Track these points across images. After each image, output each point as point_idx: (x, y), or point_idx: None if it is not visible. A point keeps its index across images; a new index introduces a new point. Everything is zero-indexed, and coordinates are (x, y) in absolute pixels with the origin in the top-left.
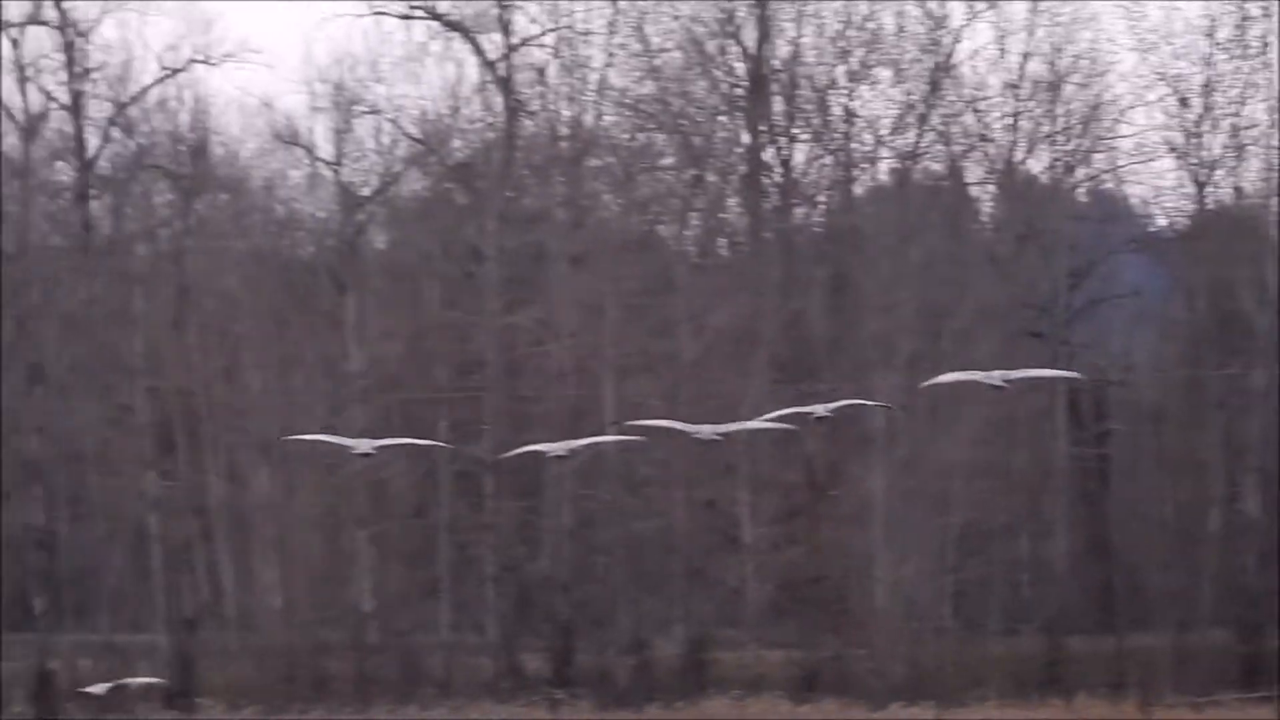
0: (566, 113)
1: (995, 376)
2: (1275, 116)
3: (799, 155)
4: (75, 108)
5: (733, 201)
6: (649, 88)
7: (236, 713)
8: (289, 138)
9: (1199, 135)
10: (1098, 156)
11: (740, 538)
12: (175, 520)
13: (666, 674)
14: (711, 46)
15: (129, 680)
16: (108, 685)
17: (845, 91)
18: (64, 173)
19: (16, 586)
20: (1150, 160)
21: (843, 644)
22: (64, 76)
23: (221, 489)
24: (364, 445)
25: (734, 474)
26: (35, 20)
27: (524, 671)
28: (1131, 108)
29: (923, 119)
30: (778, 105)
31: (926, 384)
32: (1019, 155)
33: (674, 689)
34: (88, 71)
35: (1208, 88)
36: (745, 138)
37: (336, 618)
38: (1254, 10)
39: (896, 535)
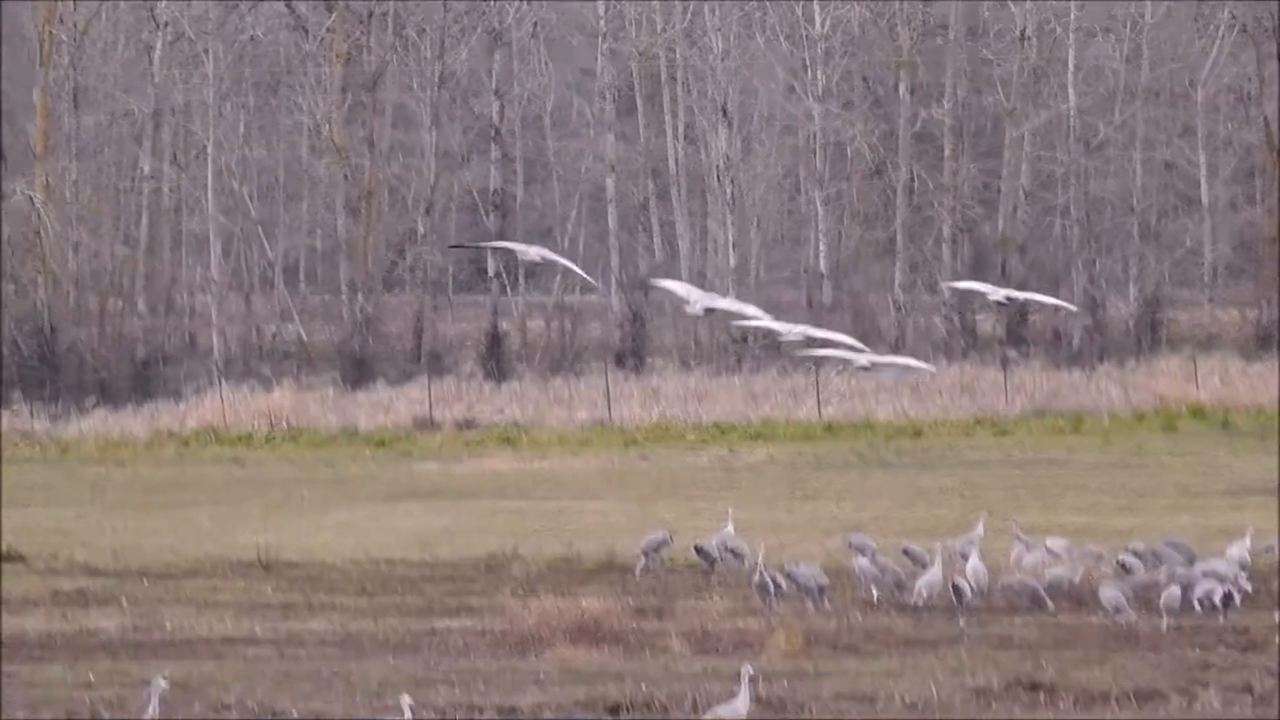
0: None
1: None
2: None
3: None
4: None
5: None
6: None
7: (687, 372)
8: None
9: None
10: None
11: (1198, 198)
12: (632, 182)
13: (1119, 334)
14: None
15: None
16: None
17: None
18: None
19: (470, 249)
20: None
21: None
22: None
23: (679, 151)
24: None
25: (1193, 134)
26: None
27: (977, 331)
28: None
29: None
30: None
31: None
32: None
33: (1126, 348)
34: None
35: None
36: None
37: (791, 278)
38: None
39: None
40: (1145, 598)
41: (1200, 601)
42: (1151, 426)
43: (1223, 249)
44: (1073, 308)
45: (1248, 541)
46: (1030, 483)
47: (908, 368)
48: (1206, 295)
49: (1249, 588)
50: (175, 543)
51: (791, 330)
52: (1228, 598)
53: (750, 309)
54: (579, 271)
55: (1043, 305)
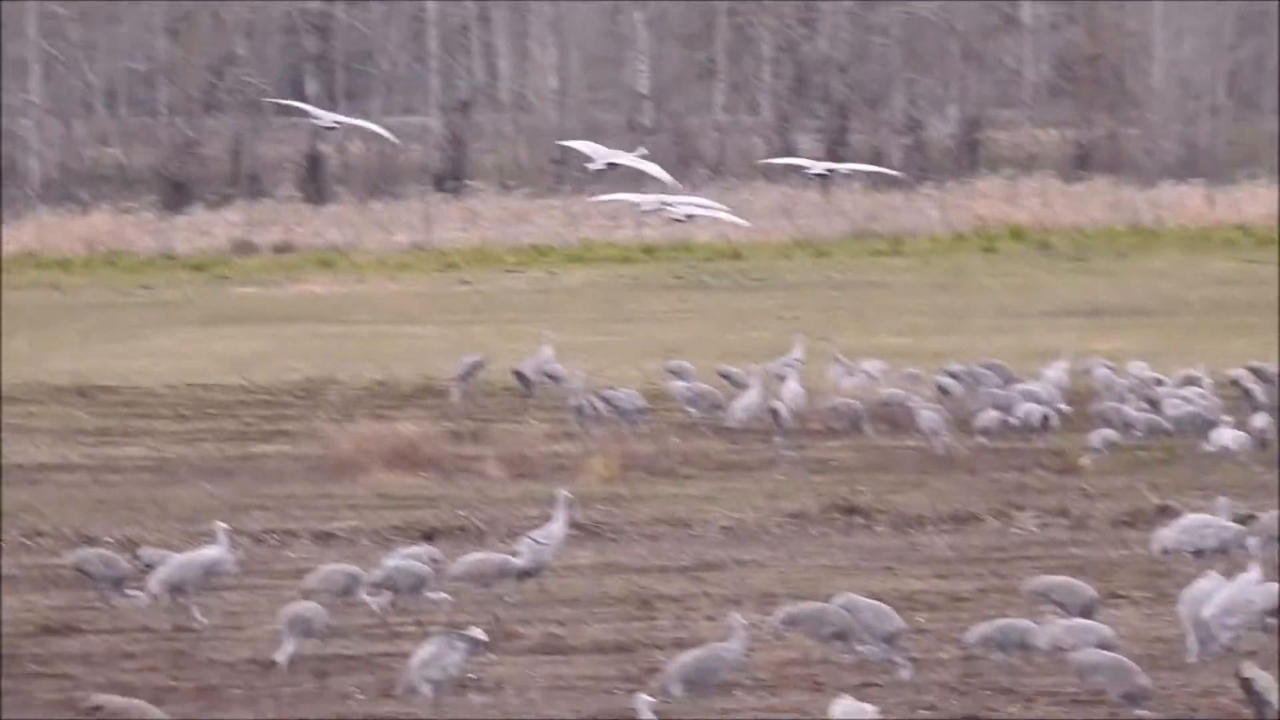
0: None
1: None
2: None
3: None
4: None
5: None
6: None
7: (507, 195)
8: None
9: None
10: None
11: (1019, 17)
12: (453, 3)
13: (940, 154)
14: None
15: None
16: None
17: None
18: None
19: (290, 70)
20: None
21: (1116, 123)
22: None
23: None
24: None
25: None
26: None
27: (797, 151)
28: None
29: None
30: None
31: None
32: None
33: (946, 169)
34: None
35: None
36: None
37: (612, 100)
38: None
39: (1174, 14)
40: (962, 420)
41: (1017, 423)
42: (970, 248)
43: (1043, 68)
44: (895, 172)
45: (1064, 363)
46: (849, 305)
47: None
48: (1026, 115)
49: (1066, 409)
50: None
51: (676, 202)
52: (1045, 419)
53: (651, 168)
54: (380, 131)
55: (861, 173)
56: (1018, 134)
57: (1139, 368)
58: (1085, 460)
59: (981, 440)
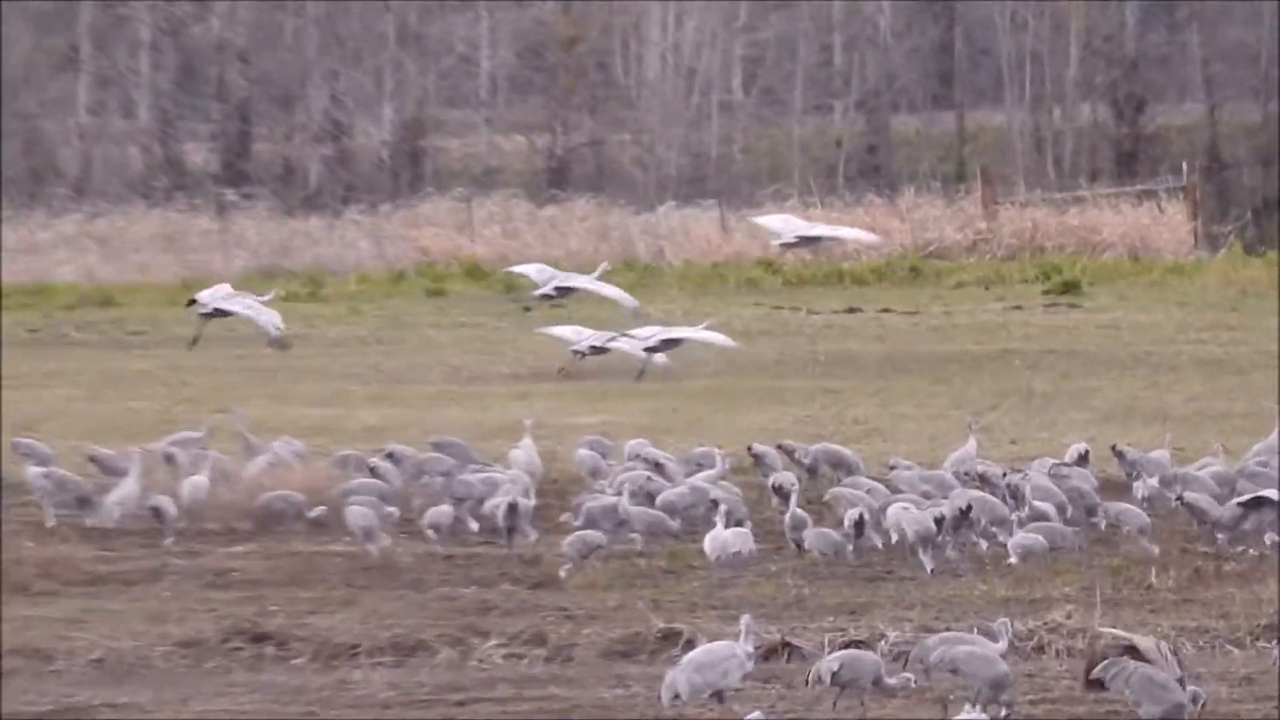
0: None
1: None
2: None
3: None
4: None
5: None
6: None
7: None
8: None
9: None
10: None
11: None
12: None
13: (371, 168)
14: None
15: None
16: None
17: None
18: None
19: None
20: None
21: (601, 127)
22: None
23: None
24: None
25: None
26: None
27: (185, 165)
28: None
29: None
30: None
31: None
32: None
33: (381, 188)
34: None
35: None
36: None
37: None
38: None
39: None
40: (405, 517)
41: (477, 521)
42: (413, 290)
43: (504, 55)
44: (874, 240)
45: (529, 440)
46: (258, 365)
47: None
48: (484, 117)
49: (536, 503)
50: None
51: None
52: (512, 515)
53: (610, 290)
54: None
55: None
56: (472, 142)
57: (638, 447)
58: (566, 570)
59: (431, 543)
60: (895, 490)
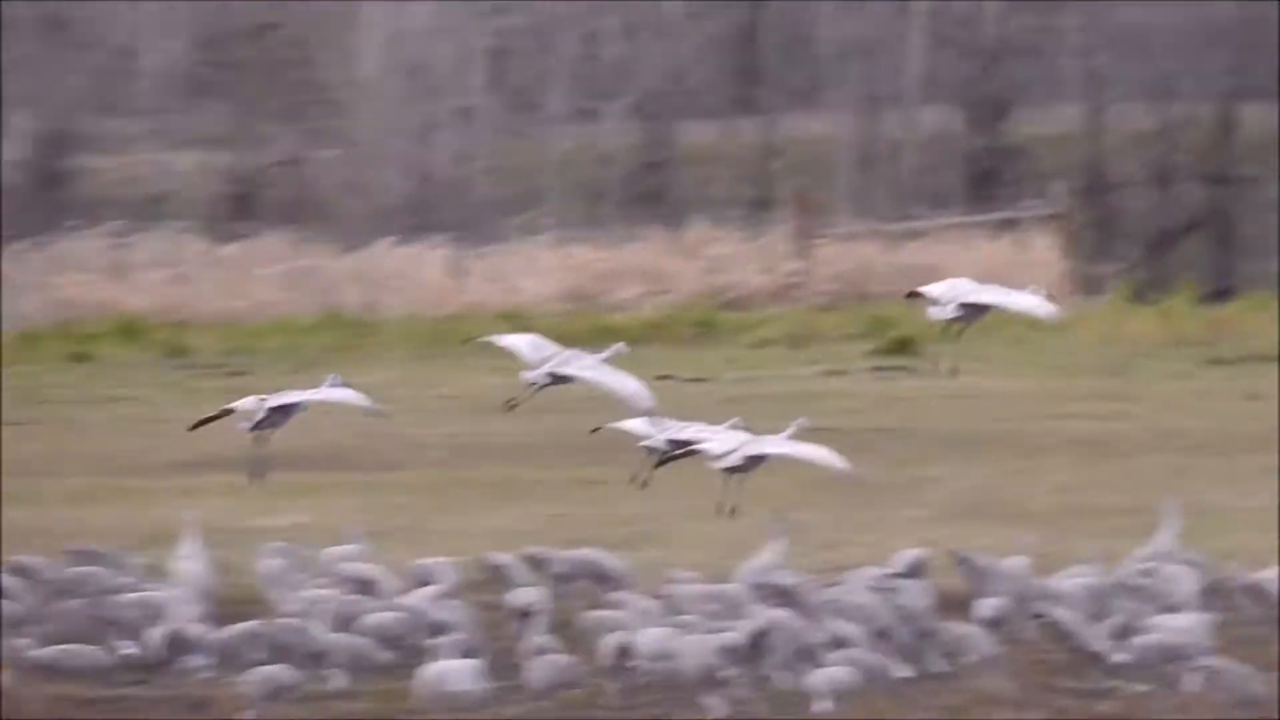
0: None
1: None
2: None
3: None
4: None
5: None
6: None
7: None
8: None
9: None
10: None
11: None
12: None
13: None
14: None
15: None
16: None
17: None
18: None
19: None
20: None
21: (300, 142)
22: None
23: None
24: None
25: None
26: None
27: None
28: None
29: None
30: None
31: None
32: None
33: (8, 221)
34: None
35: None
36: None
37: None
38: None
39: None
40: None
41: (133, 651)
42: (50, 354)
43: (173, 50)
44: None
45: (197, 547)
46: None
47: None
48: (147, 128)
49: (200, 626)
50: None
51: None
52: (175, 642)
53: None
54: None
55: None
56: (131, 161)
57: (339, 556)
58: (247, 716)
59: (72, 680)
60: (673, 610)
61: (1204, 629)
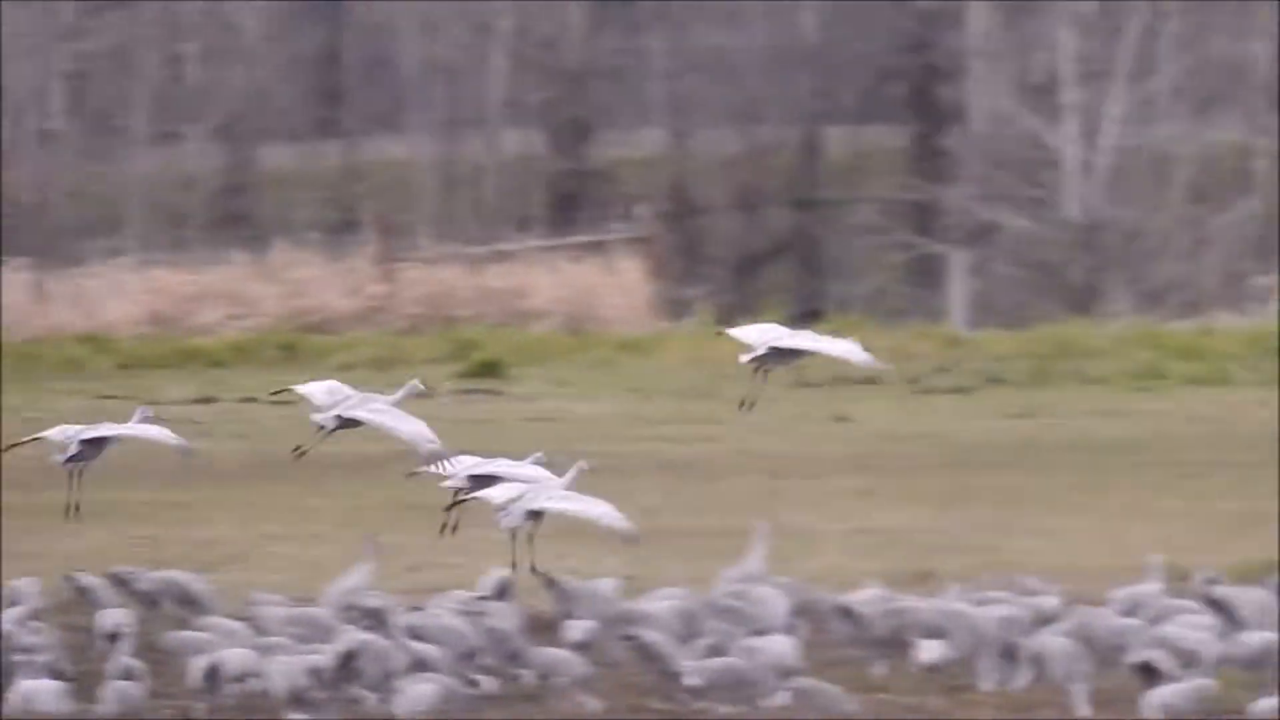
0: None
1: None
2: None
3: None
4: None
5: None
6: None
7: None
8: None
9: None
10: None
11: None
12: None
13: None
14: None
15: None
16: None
17: None
18: None
19: None
20: None
21: None
22: None
23: None
24: None
25: None
26: None
27: None
28: None
29: None
30: None
31: None
32: None
33: None
34: None
35: None
36: None
37: None
38: None
39: None
40: None
41: None
42: None
43: None
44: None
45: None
46: None
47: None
48: None
49: None
50: None
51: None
52: None
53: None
54: None
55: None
56: None
57: None
58: None
59: None
60: (260, 632)
61: (793, 650)
